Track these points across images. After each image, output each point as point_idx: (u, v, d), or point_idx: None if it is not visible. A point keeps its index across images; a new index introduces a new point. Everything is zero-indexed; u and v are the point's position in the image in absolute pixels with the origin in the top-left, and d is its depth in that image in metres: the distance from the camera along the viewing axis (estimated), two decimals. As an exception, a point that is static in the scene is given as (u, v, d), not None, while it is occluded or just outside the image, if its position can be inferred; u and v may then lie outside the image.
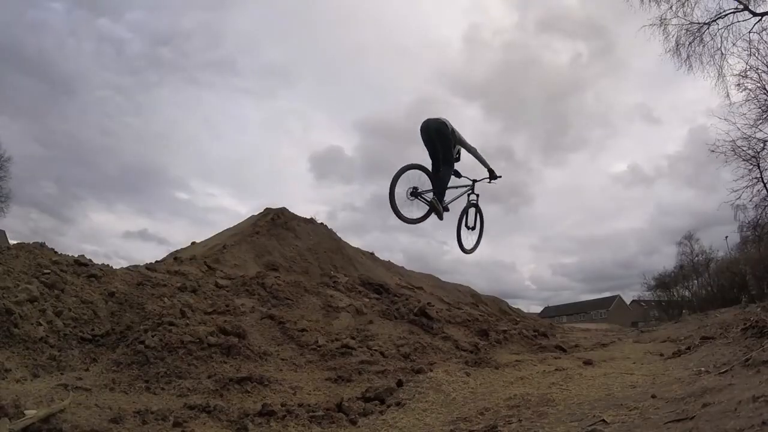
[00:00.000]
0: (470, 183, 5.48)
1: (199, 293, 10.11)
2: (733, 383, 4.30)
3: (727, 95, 14.21)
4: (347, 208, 77.95)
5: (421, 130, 4.95)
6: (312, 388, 6.98)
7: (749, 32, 13.30)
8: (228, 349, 7.47)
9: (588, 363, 8.17)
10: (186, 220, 78.79)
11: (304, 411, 5.67)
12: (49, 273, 7.99)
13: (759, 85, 13.84)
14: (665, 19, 13.98)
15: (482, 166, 5.44)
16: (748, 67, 13.68)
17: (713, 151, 14.78)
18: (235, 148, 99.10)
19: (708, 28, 13.70)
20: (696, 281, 37.12)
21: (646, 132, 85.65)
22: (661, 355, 8.64)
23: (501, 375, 7.59)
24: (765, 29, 13.15)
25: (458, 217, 5.46)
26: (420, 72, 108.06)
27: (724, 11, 13.48)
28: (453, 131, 4.94)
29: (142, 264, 11.80)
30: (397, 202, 4.62)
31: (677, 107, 75.27)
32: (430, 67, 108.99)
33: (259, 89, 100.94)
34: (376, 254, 19.41)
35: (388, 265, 19.19)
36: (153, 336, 7.15)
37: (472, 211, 5.58)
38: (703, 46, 13.80)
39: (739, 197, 15.04)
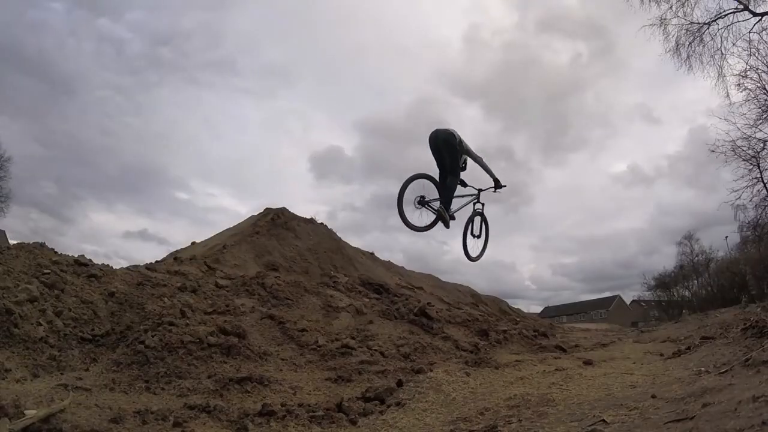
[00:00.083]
0: (476, 192, 5.61)
1: (199, 293, 10.11)
2: (733, 383, 4.30)
3: (727, 95, 14.23)
4: (347, 208, 78.04)
5: (429, 140, 5.10)
6: (312, 388, 6.98)
7: (749, 32, 13.33)
8: (228, 349, 7.47)
9: (588, 363, 8.17)
10: (186, 220, 78.86)
11: (304, 411, 5.67)
12: (49, 273, 7.99)
13: (759, 85, 13.86)
14: (665, 19, 14.00)
15: (487, 176, 5.56)
16: (748, 67, 13.70)
17: (713, 151, 14.80)
18: (235, 148, 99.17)
19: (708, 28, 13.71)
20: (696, 281, 37.16)
21: (646, 132, 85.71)
22: (661, 355, 8.63)
23: (501, 375, 7.59)
24: (765, 29, 13.17)
25: (464, 225, 5.59)
26: (420, 72, 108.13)
27: (724, 11, 13.51)
28: (460, 141, 5.09)
29: (142, 264, 11.81)
30: (405, 210, 4.77)
31: (677, 107, 75.35)
32: (430, 67, 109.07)
33: (259, 89, 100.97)
34: (376, 254, 19.44)
35: (388, 265, 19.19)
36: (153, 336, 7.15)
37: (477, 219, 5.69)
38: (703, 46, 13.82)
39: (739, 197, 15.06)
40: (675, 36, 14.04)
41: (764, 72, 13.64)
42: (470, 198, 5.57)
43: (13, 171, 27.24)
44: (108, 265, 10.22)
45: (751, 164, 14.64)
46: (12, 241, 15.96)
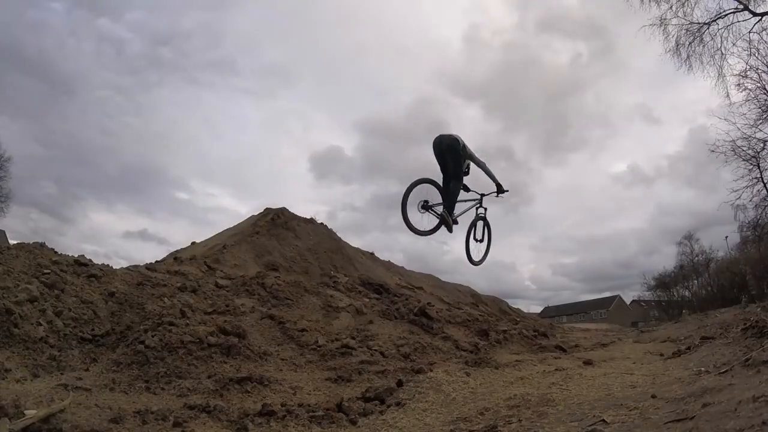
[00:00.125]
0: (478, 197, 5.68)
1: (199, 293, 10.11)
2: (733, 383, 4.30)
3: (727, 95, 14.20)
4: (347, 208, 78.01)
5: (433, 146, 5.17)
6: (312, 388, 6.98)
7: (749, 32, 13.30)
8: (228, 349, 7.47)
9: (588, 363, 8.17)
10: (186, 220, 78.81)
11: (304, 411, 5.68)
12: (49, 273, 8.00)
13: (759, 85, 13.84)
14: (665, 19, 13.98)
15: (490, 180, 5.63)
16: (748, 67, 13.67)
17: (713, 151, 14.76)
18: (235, 148, 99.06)
19: (708, 28, 13.69)
20: (696, 281, 37.13)
21: (646, 132, 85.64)
22: (661, 355, 8.64)
23: (501, 375, 7.59)
24: (765, 29, 13.15)
25: (467, 229, 5.65)
26: (420, 72, 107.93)
27: (724, 11, 13.49)
28: (464, 147, 5.17)
29: (142, 264, 11.81)
30: (409, 214, 4.82)
31: (677, 107, 75.31)
32: (430, 67, 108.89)
33: (259, 89, 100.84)
34: (376, 254, 19.45)
35: (388, 265, 19.20)
36: (153, 336, 7.15)
37: (480, 224, 5.76)
38: (703, 46, 13.80)
39: (739, 197, 15.02)
40: (675, 36, 14.04)
41: (764, 72, 13.64)
42: (473, 202, 5.64)
43: (13, 171, 27.23)
44: (108, 265, 10.24)
45: (751, 164, 14.63)
46: (12, 241, 15.98)
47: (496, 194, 5.63)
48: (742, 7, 13.33)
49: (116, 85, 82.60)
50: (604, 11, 70.39)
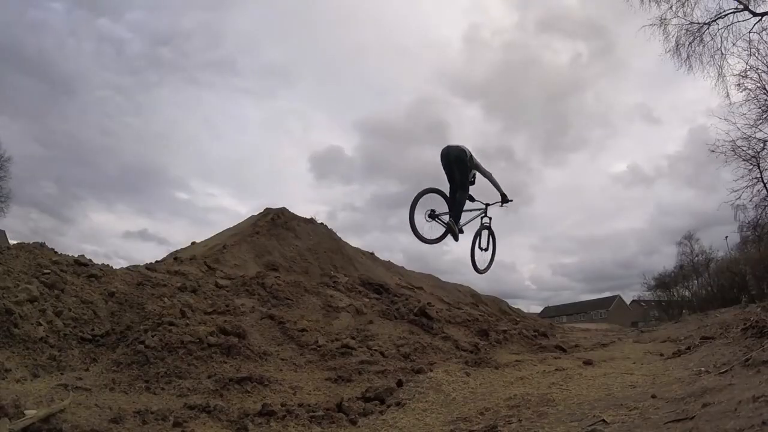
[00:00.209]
0: (483, 207, 5.82)
1: (199, 293, 10.11)
2: (733, 383, 4.31)
3: (727, 95, 14.22)
4: (347, 208, 78.04)
5: (441, 156, 5.33)
6: (312, 388, 6.98)
7: (749, 32, 13.32)
8: (228, 349, 7.47)
9: (588, 363, 8.17)
10: (186, 220, 78.82)
11: (304, 411, 5.68)
12: (49, 273, 7.99)
13: (759, 85, 13.85)
14: (665, 19, 14.00)
15: (494, 190, 5.79)
16: (748, 67, 13.69)
17: (713, 151, 14.78)
18: (235, 148, 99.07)
19: (708, 28, 13.71)
20: (696, 281, 37.08)
21: (646, 132, 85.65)
22: (661, 355, 8.64)
23: (501, 375, 7.58)
24: (765, 29, 13.17)
25: (472, 239, 5.78)
26: (420, 72, 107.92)
27: (724, 11, 13.50)
28: (471, 158, 5.33)
29: (142, 264, 11.81)
30: (416, 223, 4.96)
31: (677, 107, 75.29)
32: (430, 67, 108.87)
33: (259, 89, 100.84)
34: (376, 254, 19.43)
35: (388, 265, 19.19)
36: (153, 336, 7.15)
37: (485, 233, 5.90)
38: (703, 46, 13.82)
39: (739, 197, 15.04)
40: (675, 36, 14.06)
41: (764, 72, 13.65)
42: (478, 212, 5.78)
43: (13, 171, 27.28)
44: (108, 265, 10.24)
45: (751, 164, 14.65)
46: (12, 241, 15.97)
47: (500, 204, 5.80)
48: (742, 7, 13.35)
49: (116, 85, 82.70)
50: (604, 11, 70.43)
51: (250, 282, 11.48)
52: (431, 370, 7.52)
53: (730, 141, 14.53)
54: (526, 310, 28.62)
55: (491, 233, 5.94)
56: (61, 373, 6.18)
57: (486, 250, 5.91)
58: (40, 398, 5.02)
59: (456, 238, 5.28)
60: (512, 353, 10.47)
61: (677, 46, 14.04)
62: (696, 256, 36.87)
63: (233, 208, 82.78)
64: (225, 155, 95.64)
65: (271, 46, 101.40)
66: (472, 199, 5.60)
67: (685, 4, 13.65)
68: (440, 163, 5.32)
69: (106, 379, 6.17)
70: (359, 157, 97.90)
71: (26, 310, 6.87)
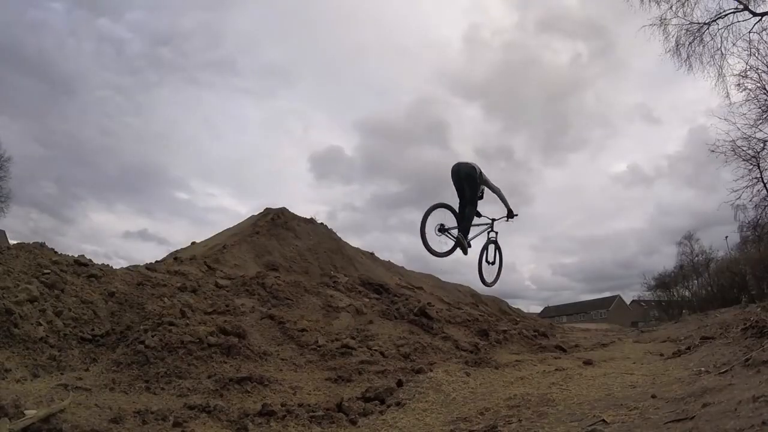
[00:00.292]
0: (490, 221, 6.03)
1: (199, 293, 10.11)
2: (733, 383, 4.31)
3: (727, 95, 14.21)
4: (347, 208, 78.06)
5: (452, 173, 5.55)
6: (312, 388, 6.98)
7: (749, 32, 13.32)
8: (228, 349, 7.46)
9: (588, 363, 8.17)
10: (186, 220, 78.85)
11: (304, 411, 5.67)
12: (49, 273, 7.99)
13: (759, 85, 13.85)
14: (665, 19, 14.00)
15: (502, 204, 6.00)
16: (748, 67, 13.68)
17: (713, 151, 14.77)
18: (235, 148, 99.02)
19: (708, 28, 13.71)
20: (696, 281, 37.11)
21: (646, 132, 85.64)
22: (661, 355, 8.64)
23: (501, 375, 7.58)
24: (765, 29, 13.16)
25: (479, 252, 5.97)
26: (420, 72, 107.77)
27: (724, 11, 13.50)
28: (480, 174, 5.54)
29: (142, 264, 11.81)
30: (427, 236, 5.13)
31: (677, 107, 75.30)
32: (430, 67, 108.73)
33: (259, 89, 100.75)
34: (376, 254, 19.44)
35: (388, 265, 19.19)
36: (153, 336, 7.15)
37: (491, 247, 6.10)
38: (703, 46, 13.81)
39: (739, 197, 15.03)
40: (675, 36, 14.05)
41: (764, 72, 13.64)
42: (485, 227, 5.98)
43: (13, 171, 27.29)
44: (108, 265, 10.25)
45: (751, 164, 14.64)
46: (12, 241, 15.96)
47: (506, 219, 6.03)
48: (742, 7, 13.35)
49: (116, 85, 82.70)
50: (604, 11, 70.37)
51: (250, 282, 11.49)
52: (431, 370, 7.52)
53: (730, 141, 14.55)
54: (526, 310, 28.65)
55: (498, 247, 6.15)
56: (61, 373, 6.18)
57: (493, 263, 6.09)
58: (40, 398, 5.02)
59: (465, 252, 5.47)
60: (512, 353, 10.47)
61: (677, 46, 14.05)
62: (696, 256, 36.96)
63: (233, 208, 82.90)
64: (225, 155, 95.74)
65: (271, 46, 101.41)
66: (478, 215, 5.78)
67: (685, 4, 13.67)
68: (450, 179, 5.50)
69: (106, 379, 6.17)
70: (359, 157, 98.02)
71: (26, 310, 6.87)
